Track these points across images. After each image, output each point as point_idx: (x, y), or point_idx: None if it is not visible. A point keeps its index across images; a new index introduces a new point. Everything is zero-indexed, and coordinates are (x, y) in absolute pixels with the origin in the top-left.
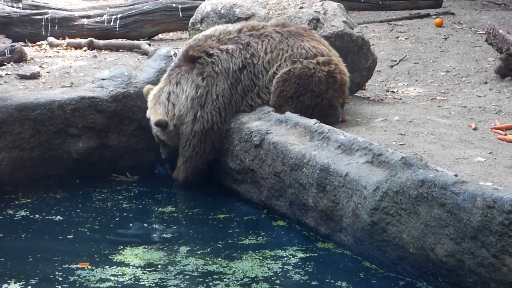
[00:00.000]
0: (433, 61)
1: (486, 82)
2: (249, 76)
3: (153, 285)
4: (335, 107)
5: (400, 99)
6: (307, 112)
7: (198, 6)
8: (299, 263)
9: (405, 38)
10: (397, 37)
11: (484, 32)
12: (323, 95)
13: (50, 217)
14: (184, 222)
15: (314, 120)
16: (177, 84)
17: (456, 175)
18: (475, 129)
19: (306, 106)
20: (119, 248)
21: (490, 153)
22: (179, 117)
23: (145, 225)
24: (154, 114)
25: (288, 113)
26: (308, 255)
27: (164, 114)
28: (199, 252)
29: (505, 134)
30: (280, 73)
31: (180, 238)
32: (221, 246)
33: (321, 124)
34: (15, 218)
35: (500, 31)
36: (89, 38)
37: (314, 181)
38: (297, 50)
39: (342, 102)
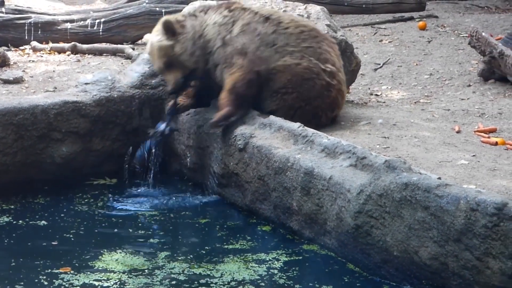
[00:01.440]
0: (416, 64)
1: (469, 85)
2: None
3: None
4: (319, 117)
5: (384, 102)
6: (288, 113)
7: (181, 10)
8: (284, 267)
9: (389, 41)
10: (381, 40)
11: (467, 35)
12: (310, 102)
13: (33, 222)
14: (167, 227)
15: (298, 124)
16: (200, 14)
17: (439, 178)
18: (458, 132)
19: (288, 106)
20: (103, 252)
21: (474, 156)
22: (205, 40)
23: (128, 230)
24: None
25: (272, 117)
26: (292, 258)
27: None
28: (183, 257)
29: (488, 137)
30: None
31: (164, 243)
32: (205, 250)
33: (305, 127)
34: None
35: (483, 34)
36: (73, 43)
37: (298, 185)
38: (312, 48)
39: (328, 117)
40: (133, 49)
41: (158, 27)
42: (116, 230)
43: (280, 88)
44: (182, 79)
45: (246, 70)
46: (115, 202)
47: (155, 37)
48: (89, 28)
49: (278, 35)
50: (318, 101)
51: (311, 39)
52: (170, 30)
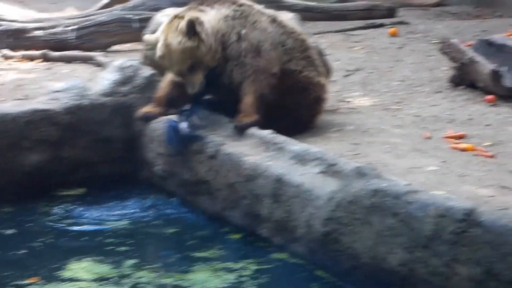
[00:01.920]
0: (387, 71)
1: (439, 91)
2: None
3: None
4: (302, 127)
5: (355, 108)
6: (275, 117)
7: (153, 17)
8: (254, 274)
9: (360, 48)
10: (352, 47)
11: (438, 41)
12: (300, 111)
13: (1, 231)
14: (136, 235)
15: (269, 131)
16: (207, 9)
17: (409, 184)
18: (428, 138)
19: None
20: (71, 262)
21: (443, 162)
22: (222, 34)
23: (97, 239)
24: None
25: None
26: (262, 266)
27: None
28: (152, 265)
29: (458, 143)
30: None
31: (132, 251)
32: (174, 258)
33: (276, 134)
34: None
35: (454, 40)
36: (44, 50)
37: (268, 192)
38: (311, 59)
39: (308, 128)
40: (105, 56)
41: (174, 26)
42: (84, 239)
43: (278, 90)
44: (204, 79)
45: (267, 75)
46: (84, 211)
47: (174, 38)
48: (60, 35)
49: (287, 37)
50: (307, 112)
51: (310, 49)
52: (192, 30)
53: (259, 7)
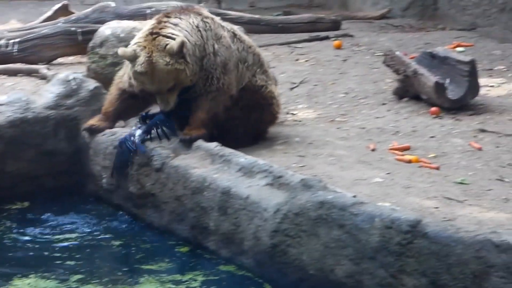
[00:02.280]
0: (332, 83)
1: (384, 104)
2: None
3: None
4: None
5: (300, 121)
6: (238, 130)
7: (97, 30)
8: (201, 286)
9: (305, 60)
10: (297, 60)
11: (382, 54)
12: (259, 125)
13: None
14: (82, 249)
15: (215, 143)
16: (178, 20)
17: (354, 196)
18: (373, 150)
19: (244, 124)
20: (15, 277)
21: (388, 173)
22: (196, 48)
23: (42, 253)
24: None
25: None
26: (210, 278)
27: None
28: (98, 279)
29: (403, 155)
30: None
31: (78, 266)
32: (121, 272)
33: (222, 147)
34: None
35: (397, 53)
36: None
37: (215, 205)
38: (269, 73)
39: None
40: (48, 69)
41: (161, 45)
42: (29, 253)
43: (244, 106)
44: (177, 97)
45: (226, 96)
46: (28, 225)
47: (161, 58)
48: (3, 48)
49: (247, 53)
50: (264, 126)
51: (265, 63)
52: (181, 53)
53: (218, 19)
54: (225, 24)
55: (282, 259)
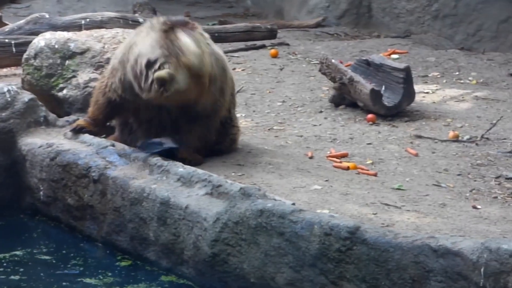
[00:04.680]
0: (269, 92)
1: (321, 111)
2: None
3: None
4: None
5: (239, 130)
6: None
7: (31, 42)
8: None
9: (242, 69)
10: (234, 69)
11: (318, 62)
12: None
13: None
14: (17, 263)
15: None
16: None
17: (294, 204)
18: (311, 157)
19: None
20: None
21: (326, 180)
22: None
23: None
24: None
25: (127, 147)
26: None
27: None
28: None
29: (340, 162)
30: None
31: (12, 281)
32: (60, 286)
33: (159, 157)
34: None
35: (333, 60)
36: None
37: (154, 215)
38: None
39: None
40: None
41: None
42: None
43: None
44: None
45: (218, 119)
46: None
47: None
48: None
49: (232, 82)
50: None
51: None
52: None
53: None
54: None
55: (222, 268)
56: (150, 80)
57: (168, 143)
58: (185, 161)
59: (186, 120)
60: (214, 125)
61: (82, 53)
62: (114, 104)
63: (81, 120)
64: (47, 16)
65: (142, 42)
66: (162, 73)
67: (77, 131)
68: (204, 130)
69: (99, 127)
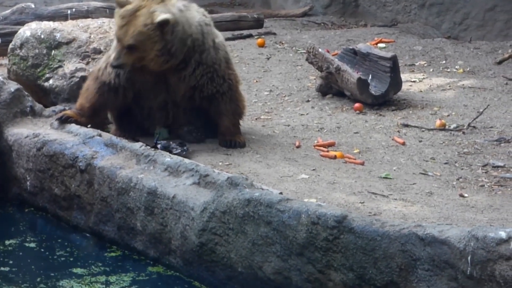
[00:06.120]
0: (256, 81)
1: (308, 101)
2: None
3: None
4: None
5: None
6: None
7: (17, 32)
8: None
9: None
10: None
11: (304, 51)
12: None
13: None
14: (5, 254)
15: (140, 144)
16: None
17: (281, 193)
18: (298, 147)
19: None
20: None
21: (314, 170)
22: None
23: None
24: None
25: (113, 137)
26: (139, 279)
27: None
28: (23, 285)
29: (327, 151)
30: None
31: (4, 272)
32: (48, 276)
33: (147, 147)
34: None
35: (320, 50)
36: None
37: (141, 205)
38: None
39: None
40: None
41: (153, 9)
42: None
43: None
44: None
45: (239, 90)
46: None
47: (143, 15)
48: None
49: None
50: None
51: None
52: (161, 26)
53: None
54: None
55: (210, 257)
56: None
57: (176, 148)
58: (231, 143)
59: (208, 102)
60: (237, 98)
61: (68, 43)
62: (107, 89)
63: (68, 110)
64: (32, 6)
65: None
66: (165, 15)
67: (63, 120)
68: (233, 106)
69: (85, 118)
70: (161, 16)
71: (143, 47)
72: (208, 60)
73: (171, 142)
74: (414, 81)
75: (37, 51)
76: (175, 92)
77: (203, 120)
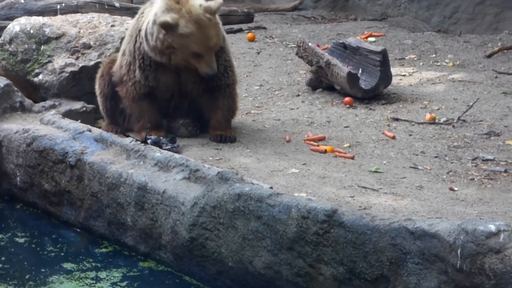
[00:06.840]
0: (246, 76)
1: (298, 95)
2: None
3: None
4: None
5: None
6: None
7: (6, 27)
8: (120, 283)
9: None
10: None
11: (295, 45)
12: None
13: None
14: None
15: (130, 139)
16: None
17: (271, 188)
18: (288, 141)
19: None
20: None
21: (304, 164)
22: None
23: None
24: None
25: (103, 132)
26: (129, 274)
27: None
28: (13, 281)
29: (318, 145)
30: None
31: None
32: (38, 272)
33: (137, 142)
34: None
35: (310, 44)
36: None
37: (132, 200)
38: None
39: None
40: None
41: (197, 5)
42: None
43: None
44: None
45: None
46: None
47: (201, 15)
48: None
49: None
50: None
51: None
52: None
53: None
54: None
55: (200, 252)
56: (156, 32)
57: (166, 144)
58: (222, 138)
59: (208, 94)
60: (236, 93)
61: (58, 38)
62: (147, 99)
63: (150, 132)
64: (22, 1)
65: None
66: (166, 17)
67: (156, 143)
68: (230, 101)
69: (163, 131)
70: (210, 4)
71: (220, 37)
72: (226, 49)
73: (161, 138)
74: (404, 75)
75: (26, 46)
76: (186, 84)
77: (197, 114)
